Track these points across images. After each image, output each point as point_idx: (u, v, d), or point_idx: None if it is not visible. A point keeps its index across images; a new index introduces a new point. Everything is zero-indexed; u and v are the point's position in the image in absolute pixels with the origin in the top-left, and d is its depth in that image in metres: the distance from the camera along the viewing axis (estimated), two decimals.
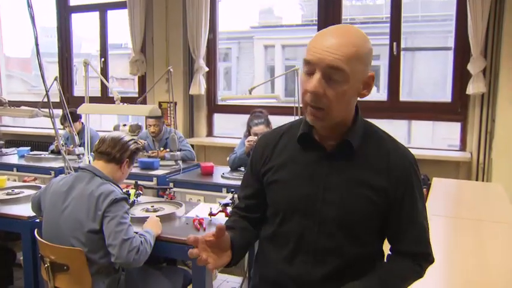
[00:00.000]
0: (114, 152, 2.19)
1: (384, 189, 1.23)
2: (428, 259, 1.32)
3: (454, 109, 4.37)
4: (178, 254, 2.30)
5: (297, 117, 3.64)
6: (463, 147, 4.38)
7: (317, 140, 1.28)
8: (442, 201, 2.97)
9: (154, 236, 2.17)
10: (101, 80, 5.82)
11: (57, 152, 4.24)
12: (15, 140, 6.33)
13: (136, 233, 2.10)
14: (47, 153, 4.44)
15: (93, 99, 4.92)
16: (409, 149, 1.31)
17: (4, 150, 4.65)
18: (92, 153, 2.40)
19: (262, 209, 1.39)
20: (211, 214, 2.42)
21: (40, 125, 6.03)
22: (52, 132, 2.76)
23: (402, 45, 4.59)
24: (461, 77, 4.27)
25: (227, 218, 1.54)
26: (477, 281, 1.79)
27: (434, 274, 1.83)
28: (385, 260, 1.36)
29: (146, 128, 4.54)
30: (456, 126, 4.49)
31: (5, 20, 6.89)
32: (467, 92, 4.10)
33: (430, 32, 9.13)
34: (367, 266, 1.28)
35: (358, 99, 1.23)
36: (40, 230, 2.20)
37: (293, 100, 3.46)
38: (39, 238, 2.15)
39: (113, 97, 2.83)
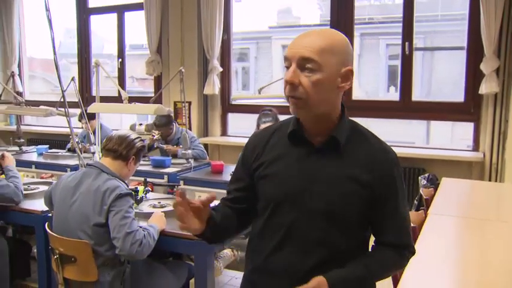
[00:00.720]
0: (120, 149, 2.27)
1: (369, 184, 1.30)
2: (410, 250, 1.40)
3: (466, 109, 4.34)
4: (184, 248, 2.37)
5: None
6: (476, 147, 4.34)
7: (306, 137, 1.35)
8: (448, 200, 2.97)
9: (159, 231, 2.24)
10: (119, 80, 5.97)
11: (73, 150, 4.37)
12: (37, 139, 6.52)
13: (141, 227, 2.17)
14: (64, 151, 4.57)
15: (109, 99, 5.07)
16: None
17: (24, 148, 4.81)
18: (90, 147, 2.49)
19: (249, 202, 1.45)
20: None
21: (61, 124, 6.21)
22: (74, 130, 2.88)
23: (421, 45, 4.57)
24: (474, 76, 4.23)
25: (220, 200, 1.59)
26: (482, 281, 1.80)
27: (439, 272, 1.86)
28: (370, 250, 1.43)
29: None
30: (470, 127, 4.45)
31: (29, 21, 7.11)
32: (480, 92, 4.07)
33: (450, 32, 9.03)
34: (354, 257, 1.34)
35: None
36: (51, 223, 2.30)
37: None
38: (49, 231, 2.25)
39: (129, 97, 2.94)
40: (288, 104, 1.31)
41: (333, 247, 1.32)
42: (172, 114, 4.74)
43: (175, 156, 4.16)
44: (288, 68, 1.26)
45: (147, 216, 2.43)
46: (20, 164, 4.14)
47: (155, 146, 4.34)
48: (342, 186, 1.29)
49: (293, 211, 1.32)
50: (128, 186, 2.29)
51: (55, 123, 6.70)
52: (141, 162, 3.88)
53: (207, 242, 1.44)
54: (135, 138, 2.34)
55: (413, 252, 1.41)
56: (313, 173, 1.31)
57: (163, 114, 4.11)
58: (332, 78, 1.25)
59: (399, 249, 1.37)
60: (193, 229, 1.32)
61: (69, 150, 4.49)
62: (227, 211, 1.46)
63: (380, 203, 1.32)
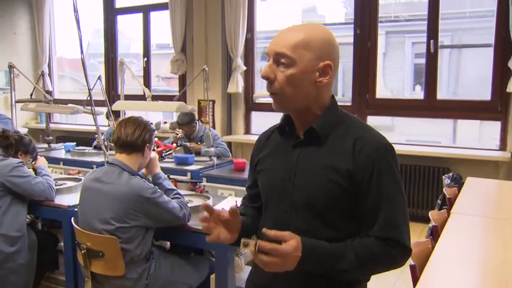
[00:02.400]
0: (133, 142, 2.25)
1: (348, 171, 1.26)
2: (398, 246, 1.28)
3: (494, 107, 4.26)
4: (205, 244, 2.40)
5: None
6: (503, 146, 4.26)
7: (293, 130, 1.38)
8: (472, 200, 2.93)
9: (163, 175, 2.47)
10: (144, 79, 6.07)
11: (99, 148, 4.47)
12: (65, 136, 6.70)
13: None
14: (91, 148, 4.68)
15: (135, 97, 5.17)
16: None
17: (53, 145, 4.94)
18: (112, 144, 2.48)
19: (261, 198, 1.48)
20: (236, 207, 2.50)
21: (88, 122, 6.36)
22: (100, 128, 2.95)
23: (448, 43, 4.51)
24: (501, 74, 4.17)
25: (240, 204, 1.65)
26: (503, 281, 1.78)
27: (460, 272, 1.85)
28: None
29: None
30: (498, 125, 4.36)
31: (59, 22, 7.30)
32: (507, 90, 3.99)
33: (478, 29, 8.85)
34: None
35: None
36: (78, 218, 2.36)
37: None
38: (75, 225, 2.31)
39: (153, 95, 3.01)
40: None
41: (320, 239, 1.27)
42: (196, 113, 4.80)
43: (198, 154, 4.21)
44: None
45: None
46: (49, 160, 4.23)
47: (179, 144, 4.40)
48: (321, 178, 1.28)
49: (280, 204, 1.35)
50: (146, 178, 2.32)
51: (83, 122, 6.88)
52: (165, 159, 3.98)
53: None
54: (143, 127, 2.29)
55: (404, 250, 1.29)
56: (296, 165, 1.33)
57: (186, 113, 4.16)
58: (307, 73, 1.26)
59: (384, 242, 1.26)
60: (223, 240, 1.34)
61: (95, 147, 4.59)
62: (252, 212, 1.50)
63: (362, 193, 1.27)
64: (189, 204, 2.61)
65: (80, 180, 3.22)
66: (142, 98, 5.66)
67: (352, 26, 4.90)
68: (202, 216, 1.31)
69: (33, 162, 3.02)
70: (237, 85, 5.25)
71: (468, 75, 8.91)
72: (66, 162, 4.28)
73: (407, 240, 1.30)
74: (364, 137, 1.30)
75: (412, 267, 1.90)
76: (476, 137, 8.04)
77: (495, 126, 4.55)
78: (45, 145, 4.88)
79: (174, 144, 4.13)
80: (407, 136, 7.63)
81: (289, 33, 1.27)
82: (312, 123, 1.32)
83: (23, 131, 5.18)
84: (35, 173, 2.87)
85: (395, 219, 1.28)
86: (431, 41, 4.40)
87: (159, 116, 7.91)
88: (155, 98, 3.17)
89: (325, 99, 1.34)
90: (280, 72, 1.26)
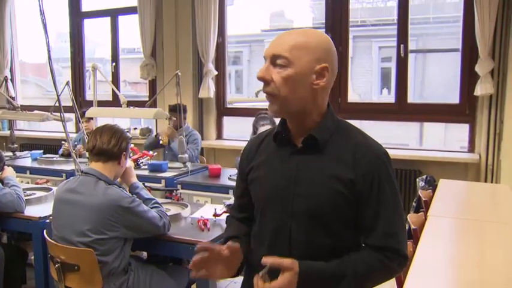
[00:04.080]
0: (109, 149, 2.18)
1: (351, 181, 1.26)
2: (398, 254, 1.28)
3: (462, 111, 4.36)
4: (184, 253, 2.34)
5: None
6: (471, 148, 4.36)
7: (290, 138, 1.35)
8: (446, 202, 2.98)
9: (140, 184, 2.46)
10: (112, 84, 5.93)
11: (67, 155, 4.33)
12: (30, 144, 6.46)
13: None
14: (58, 156, 4.52)
15: (104, 103, 5.04)
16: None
17: (18, 153, 4.75)
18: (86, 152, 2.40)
19: (251, 207, 1.46)
20: (215, 215, 2.47)
21: (54, 128, 6.16)
22: (65, 135, 2.84)
23: (413, 47, 4.59)
24: (469, 78, 4.26)
25: (226, 217, 1.63)
26: (481, 281, 1.80)
27: (441, 274, 1.86)
28: None
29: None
30: (465, 128, 4.48)
31: (21, 26, 7.04)
32: (475, 94, 4.10)
33: (442, 34, 9.10)
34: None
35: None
36: (50, 230, 2.26)
37: None
38: (48, 238, 2.21)
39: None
40: None
41: (320, 249, 1.28)
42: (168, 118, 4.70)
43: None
44: None
45: None
46: (15, 169, 4.08)
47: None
48: (322, 187, 1.27)
49: (279, 214, 1.32)
50: (122, 187, 2.24)
51: (47, 128, 6.65)
52: (140, 167, 3.89)
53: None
54: (119, 135, 2.23)
55: (402, 258, 1.30)
56: (295, 174, 1.30)
57: (174, 104, 4.21)
58: (304, 75, 1.25)
59: (383, 252, 1.27)
60: (220, 277, 1.34)
61: (62, 155, 4.44)
62: (244, 231, 1.47)
63: (363, 202, 1.27)
64: (167, 213, 2.55)
65: (50, 189, 3.09)
66: (112, 103, 5.55)
67: (323, 30, 4.93)
68: (198, 259, 1.27)
69: None
70: (209, 90, 5.19)
71: (434, 79, 9.15)
72: (34, 171, 4.12)
73: (406, 249, 1.31)
74: (363, 145, 1.30)
75: None
76: (442, 140, 8.26)
77: (460, 129, 4.67)
78: (10, 153, 4.69)
79: (151, 152, 4.05)
80: (376, 139, 7.75)
81: (287, 36, 1.27)
82: (310, 130, 1.30)
83: None
84: (2, 184, 2.74)
85: (394, 228, 1.28)
86: (401, 45, 4.47)
87: (127, 122, 7.76)
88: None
89: (323, 106, 1.33)
90: (276, 73, 1.25)
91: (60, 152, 4.54)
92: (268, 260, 1.19)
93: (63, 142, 4.49)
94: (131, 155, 3.64)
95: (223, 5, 5.29)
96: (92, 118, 3.58)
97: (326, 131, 1.31)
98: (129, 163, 2.41)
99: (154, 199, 2.37)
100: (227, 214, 2.41)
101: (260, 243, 1.38)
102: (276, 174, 1.34)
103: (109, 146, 2.18)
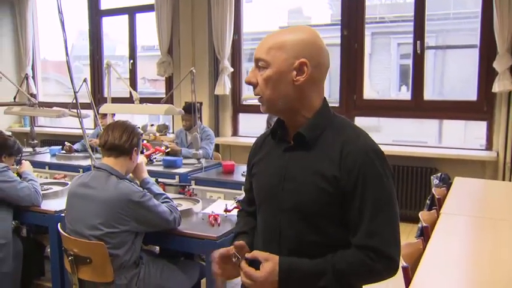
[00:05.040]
0: (121, 145, 2.21)
1: (335, 178, 1.25)
2: (380, 256, 1.23)
3: (479, 108, 4.30)
4: (195, 248, 2.38)
5: None
6: (489, 146, 4.30)
7: (285, 134, 1.38)
8: (461, 200, 2.95)
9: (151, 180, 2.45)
10: (130, 81, 6.01)
11: (67, 151, 4.44)
12: (51, 140, 6.60)
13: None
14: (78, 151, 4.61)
15: (121, 100, 5.12)
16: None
17: (38, 149, 4.86)
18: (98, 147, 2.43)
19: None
20: (226, 210, 2.49)
21: (74, 125, 6.27)
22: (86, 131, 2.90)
23: (433, 43, 4.54)
24: (487, 75, 4.21)
25: (237, 211, 1.67)
26: (493, 280, 1.79)
27: (451, 272, 1.85)
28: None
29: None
30: (483, 126, 4.41)
31: (44, 24, 7.19)
32: (493, 90, 4.03)
33: (463, 30, 8.94)
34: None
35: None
36: (64, 224, 2.31)
37: None
38: (62, 232, 2.26)
39: (140, 98, 2.97)
40: None
41: (308, 245, 1.29)
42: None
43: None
44: None
45: None
46: (34, 165, 4.16)
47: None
48: (308, 182, 1.28)
49: (271, 208, 1.36)
50: (133, 182, 2.28)
51: (68, 125, 6.78)
52: (154, 163, 3.94)
53: None
54: (130, 131, 2.26)
55: (386, 259, 1.24)
56: (285, 170, 1.33)
57: (187, 103, 4.20)
58: (283, 73, 1.27)
59: (366, 251, 1.23)
60: (235, 276, 1.39)
61: (64, 151, 4.53)
62: (253, 224, 1.50)
63: (348, 199, 1.25)
64: (178, 208, 2.58)
65: (66, 184, 3.16)
66: (128, 100, 5.62)
67: (339, 27, 4.91)
68: (219, 270, 1.38)
69: (17, 167, 2.95)
70: (224, 87, 5.22)
71: (453, 76, 9.00)
72: (52, 166, 4.21)
73: (392, 250, 1.25)
74: (352, 141, 1.28)
75: (404, 269, 1.90)
76: (462, 137, 8.13)
77: (480, 126, 4.60)
78: (30, 149, 4.80)
79: (163, 147, 4.09)
80: (394, 136, 7.68)
81: (267, 38, 1.31)
82: (301, 127, 1.32)
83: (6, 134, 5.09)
84: (20, 178, 2.81)
85: (377, 227, 1.24)
86: (418, 42, 4.42)
87: (145, 118, 7.85)
88: (142, 100, 3.13)
89: (314, 102, 1.33)
90: (259, 76, 1.30)
91: (77, 146, 4.65)
92: (248, 254, 1.30)
93: (66, 142, 4.60)
94: (144, 151, 3.70)
95: (239, 2, 5.31)
96: (106, 114, 3.63)
97: (315, 128, 1.31)
98: (141, 159, 2.45)
99: (164, 194, 2.40)
100: (237, 210, 2.44)
101: (258, 238, 1.43)
102: (271, 170, 1.38)
103: (120, 141, 2.21)
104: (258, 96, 1.33)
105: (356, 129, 1.34)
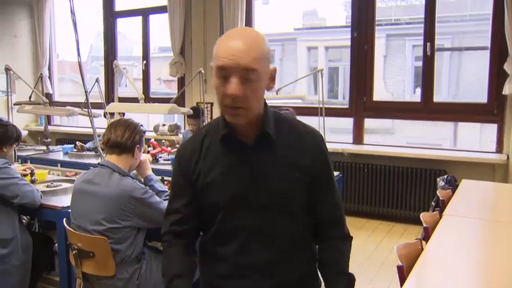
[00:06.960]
0: (123, 142, 2.25)
1: (307, 166, 1.35)
2: (346, 237, 1.46)
3: (490, 110, 4.26)
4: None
5: (321, 118, 3.70)
6: (499, 149, 4.26)
7: (238, 137, 1.34)
8: (466, 202, 2.92)
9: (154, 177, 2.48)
10: (143, 81, 6.10)
11: (80, 149, 4.53)
12: (65, 139, 6.72)
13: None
14: (89, 149, 4.70)
15: (133, 100, 5.19)
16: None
17: (51, 147, 4.96)
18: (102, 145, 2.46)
19: (197, 215, 1.43)
20: None
21: (88, 124, 6.37)
22: (98, 131, 2.97)
23: (448, 45, 4.52)
24: (497, 77, 4.16)
25: (163, 242, 1.55)
26: (485, 280, 1.79)
27: (450, 272, 1.85)
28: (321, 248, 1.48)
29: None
30: (494, 128, 4.37)
31: (61, 25, 7.33)
32: (503, 93, 4.00)
33: (477, 32, 8.85)
34: (307, 243, 1.43)
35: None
36: (70, 219, 2.37)
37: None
38: (67, 226, 2.32)
39: (151, 98, 3.03)
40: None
41: (290, 237, 1.37)
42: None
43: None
44: (224, 78, 1.22)
45: None
46: (46, 162, 4.30)
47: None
48: (283, 176, 1.33)
49: (244, 212, 1.34)
50: (135, 179, 2.32)
51: (83, 124, 6.90)
52: (160, 161, 4.00)
53: None
54: (133, 128, 2.30)
55: (350, 239, 1.48)
56: (254, 171, 1.33)
57: (195, 107, 4.21)
58: (266, 82, 1.29)
59: (338, 226, 1.44)
60: None
61: (76, 149, 4.63)
62: (189, 261, 1.47)
63: (316, 185, 1.38)
64: None
65: (74, 181, 3.23)
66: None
67: (350, 29, 4.91)
68: None
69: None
70: None
71: (468, 78, 8.91)
72: (64, 164, 4.29)
73: (346, 227, 1.48)
74: (307, 131, 1.39)
75: (400, 268, 1.91)
76: (477, 140, 8.03)
77: (494, 129, 4.55)
78: (44, 147, 4.90)
79: (169, 148, 4.15)
80: (408, 139, 7.63)
81: (245, 44, 1.21)
82: (258, 126, 1.32)
83: (23, 133, 5.21)
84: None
85: (340, 212, 1.46)
86: (428, 43, 4.40)
87: (160, 118, 7.94)
88: (154, 100, 3.20)
89: (262, 99, 1.34)
90: (247, 87, 1.21)
91: (88, 145, 4.74)
92: None
93: (77, 142, 4.70)
94: (150, 149, 3.75)
95: (250, 3, 5.35)
96: (113, 113, 3.71)
97: (272, 125, 1.34)
98: (145, 156, 2.50)
99: (167, 191, 2.44)
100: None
101: (229, 242, 1.37)
102: (233, 176, 1.33)
103: (123, 139, 2.26)
104: (238, 108, 1.23)
105: (299, 120, 1.45)
